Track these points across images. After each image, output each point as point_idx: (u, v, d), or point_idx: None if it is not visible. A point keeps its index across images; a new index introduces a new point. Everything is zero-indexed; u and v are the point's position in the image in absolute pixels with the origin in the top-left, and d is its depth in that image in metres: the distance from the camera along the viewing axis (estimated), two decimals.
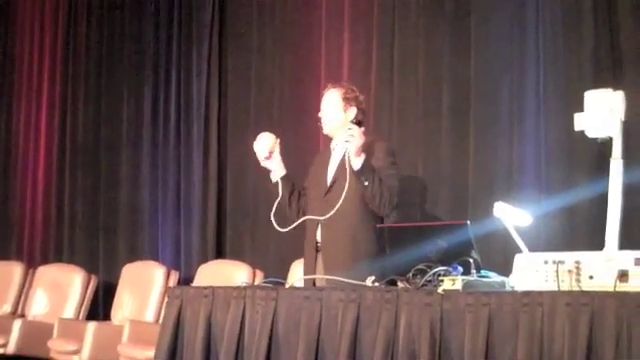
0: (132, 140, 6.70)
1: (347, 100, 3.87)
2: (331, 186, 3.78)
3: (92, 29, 7.07)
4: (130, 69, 6.79)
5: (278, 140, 3.88)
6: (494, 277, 2.88)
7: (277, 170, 3.88)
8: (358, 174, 3.62)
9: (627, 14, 4.43)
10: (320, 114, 3.93)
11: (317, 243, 3.78)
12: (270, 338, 3.03)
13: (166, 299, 3.51)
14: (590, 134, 2.84)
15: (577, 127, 2.82)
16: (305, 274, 3.78)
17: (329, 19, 5.78)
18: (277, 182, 3.87)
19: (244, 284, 3.40)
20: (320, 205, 3.75)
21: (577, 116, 2.82)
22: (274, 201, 5.71)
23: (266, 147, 3.84)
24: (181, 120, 6.43)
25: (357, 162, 3.63)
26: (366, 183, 3.62)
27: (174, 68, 6.53)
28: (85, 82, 7.05)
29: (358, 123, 3.86)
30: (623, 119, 2.92)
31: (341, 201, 3.57)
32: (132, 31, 6.82)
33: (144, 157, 6.60)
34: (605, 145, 3.05)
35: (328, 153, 3.97)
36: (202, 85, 6.31)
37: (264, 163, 3.90)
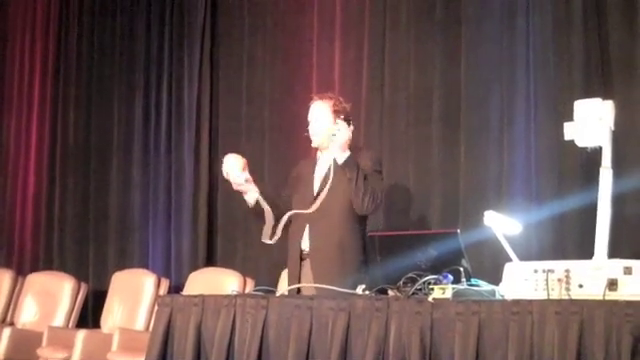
0: (123, 147, 6.68)
1: (336, 112, 3.85)
2: (318, 194, 3.76)
3: (83, 35, 7.05)
4: (121, 75, 6.78)
5: (245, 160, 3.78)
6: (484, 286, 2.89)
7: (251, 190, 3.82)
8: (342, 167, 3.65)
9: (617, 23, 4.46)
10: (309, 126, 3.90)
11: (302, 251, 3.77)
12: (260, 347, 3.02)
13: (156, 307, 3.49)
14: (580, 143, 2.85)
15: (567, 136, 2.83)
16: (289, 283, 3.76)
17: (320, 26, 5.79)
18: (257, 201, 3.81)
19: (234, 293, 3.39)
20: (304, 221, 3.75)
21: (567, 125, 2.83)
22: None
23: (237, 168, 3.73)
24: (172, 127, 6.42)
25: (342, 157, 3.66)
26: (349, 176, 3.65)
27: (165, 75, 6.52)
28: (76, 88, 7.03)
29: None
30: (612, 128, 2.93)
31: (324, 195, 3.63)
32: (123, 37, 6.81)
33: (135, 164, 6.58)
34: (595, 154, 3.06)
35: (312, 163, 3.96)
36: (193, 92, 6.30)
37: (237, 187, 3.81)
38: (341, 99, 3.94)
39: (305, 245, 3.76)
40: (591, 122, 2.79)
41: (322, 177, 3.81)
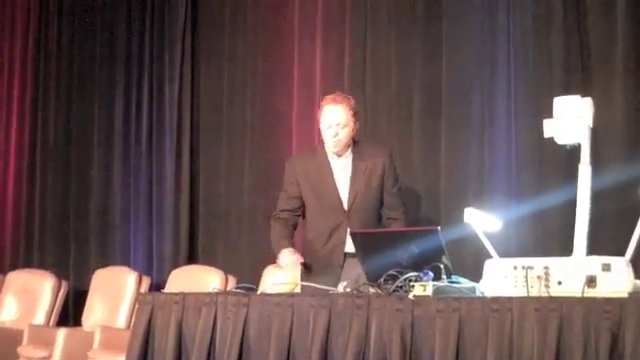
0: (104, 144, 6.64)
1: (354, 115, 3.87)
2: (353, 198, 3.82)
3: (63, 35, 6.99)
4: (101, 74, 6.73)
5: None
6: (464, 283, 2.90)
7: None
8: (384, 175, 3.86)
9: (596, 20, 4.49)
10: (328, 130, 3.81)
11: (345, 254, 3.76)
12: (241, 344, 3.02)
13: (137, 305, 3.48)
14: (559, 140, 2.87)
15: (546, 134, 2.85)
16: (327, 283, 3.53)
17: (302, 24, 5.78)
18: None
19: (215, 290, 3.39)
20: (338, 217, 3.79)
21: (546, 122, 2.85)
22: (247, 203, 5.75)
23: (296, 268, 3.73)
24: (153, 124, 6.39)
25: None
26: (394, 190, 3.88)
27: (146, 73, 6.49)
28: (56, 86, 6.97)
29: None
30: (591, 125, 2.95)
31: (359, 199, 3.79)
32: (104, 35, 6.77)
33: (116, 161, 6.55)
34: (574, 151, 3.08)
35: (318, 165, 3.90)
36: (174, 89, 6.28)
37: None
38: (349, 96, 3.94)
39: (350, 247, 3.68)
40: (570, 119, 2.81)
41: (348, 181, 3.84)
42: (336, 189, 3.84)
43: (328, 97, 3.91)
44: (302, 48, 5.76)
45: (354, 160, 3.86)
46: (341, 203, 3.82)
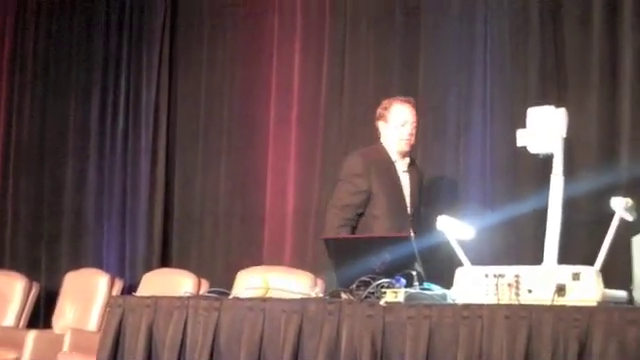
0: (78, 145, 6.58)
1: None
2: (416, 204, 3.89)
3: (40, 34, 6.93)
4: (78, 74, 6.67)
5: None
6: (436, 290, 2.91)
7: None
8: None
9: (572, 30, 4.53)
10: (403, 128, 3.90)
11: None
12: (212, 349, 3.01)
13: (108, 308, 3.46)
14: (532, 150, 2.89)
15: (519, 143, 2.87)
16: None
17: (281, 29, 5.78)
18: None
19: (187, 294, 3.37)
20: (405, 222, 3.81)
21: (519, 132, 2.87)
22: (222, 207, 5.71)
23: None
24: (129, 127, 6.35)
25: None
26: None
27: (123, 74, 6.45)
28: (32, 87, 6.90)
29: None
30: (564, 136, 2.97)
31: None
32: (81, 36, 6.71)
33: (90, 163, 6.49)
34: (548, 160, 3.10)
35: (385, 167, 3.91)
36: (151, 93, 6.24)
37: None
38: None
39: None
40: (543, 130, 2.83)
41: (408, 182, 3.90)
42: (402, 190, 3.88)
43: (395, 98, 4.02)
44: (281, 53, 5.76)
45: (409, 165, 3.95)
46: (406, 206, 3.86)
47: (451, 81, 4.93)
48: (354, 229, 3.84)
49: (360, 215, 3.85)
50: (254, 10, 5.94)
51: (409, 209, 3.87)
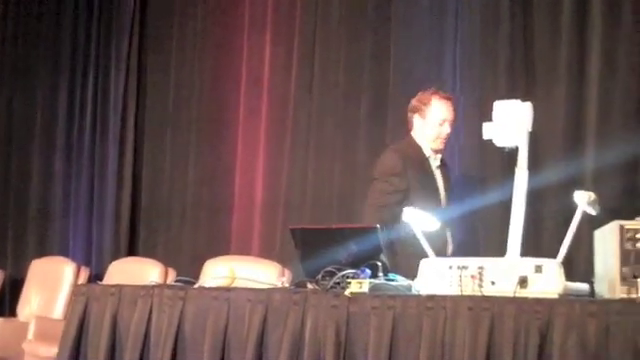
0: (46, 134, 6.52)
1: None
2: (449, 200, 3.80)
3: (8, 22, 6.85)
4: (46, 63, 6.61)
5: None
6: (401, 281, 2.92)
7: None
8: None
9: (542, 26, 4.57)
10: (442, 126, 3.76)
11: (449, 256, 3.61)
12: (176, 338, 3.00)
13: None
14: (498, 143, 2.91)
15: (485, 136, 2.89)
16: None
17: (251, 21, 5.77)
18: None
19: (152, 283, 3.36)
20: (441, 218, 3.57)
21: (485, 125, 2.89)
22: (190, 197, 5.69)
23: None
24: (97, 116, 6.31)
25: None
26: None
27: (92, 64, 6.39)
28: None
29: None
30: (530, 130, 3.00)
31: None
32: (50, 24, 6.64)
33: (58, 152, 6.44)
34: (513, 154, 3.12)
35: (418, 162, 3.77)
36: (120, 82, 6.20)
37: None
38: None
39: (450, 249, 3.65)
40: (509, 123, 2.85)
41: (443, 179, 3.80)
42: (437, 187, 3.76)
43: (435, 92, 3.83)
44: (251, 45, 5.74)
45: (441, 161, 3.83)
46: (441, 203, 3.74)
47: (421, 74, 4.93)
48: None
49: (395, 214, 3.59)
50: (225, 0, 5.91)
51: (444, 203, 3.75)
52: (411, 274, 2.92)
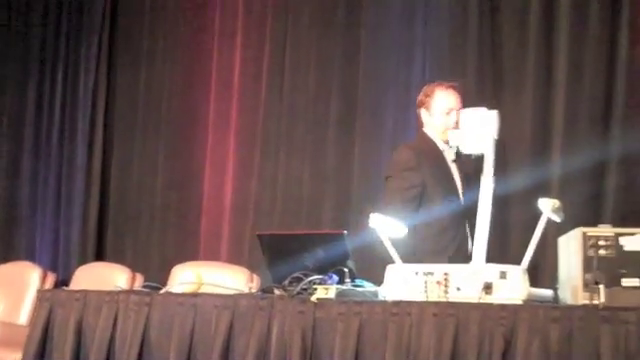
0: (13, 134, 6.44)
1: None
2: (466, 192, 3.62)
3: None
4: (15, 61, 6.54)
5: None
6: (368, 286, 2.93)
7: None
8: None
9: (510, 34, 4.62)
10: (448, 116, 3.64)
11: (469, 253, 3.43)
12: (142, 344, 2.98)
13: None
14: (464, 150, 2.92)
15: (452, 143, 2.90)
16: None
17: (222, 23, 5.75)
18: None
19: (117, 288, 3.33)
20: (459, 212, 3.55)
21: (451, 132, 2.91)
22: (159, 201, 5.63)
23: None
24: (66, 116, 6.24)
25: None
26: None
27: (61, 63, 6.33)
28: None
29: None
30: (496, 137, 3.02)
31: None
32: (19, 22, 6.57)
33: (25, 152, 6.35)
34: (480, 161, 3.15)
35: (433, 156, 3.67)
36: (89, 83, 6.14)
37: None
38: None
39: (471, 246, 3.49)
40: (475, 131, 2.86)
41: (459, 172, 3.67)
42: (454, 180, 3.64)
43: (439, 83, 3.75)
44: (221, 47, 5.73)
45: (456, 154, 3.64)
46: (459, 196, 3.62)
47: (391, 79, 4.97)
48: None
49: (415, 210, 3.55)
50: (196, 3, 5.90)
51: (461, 199, 3.63)
52: None
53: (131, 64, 6.10)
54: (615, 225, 2.64)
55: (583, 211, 4.11)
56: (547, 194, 3.32)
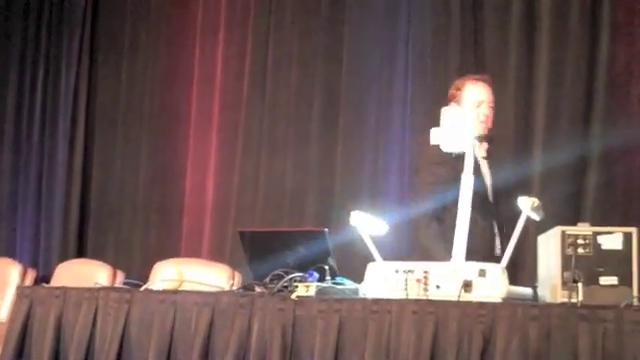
0: None
1: None
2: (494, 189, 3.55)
3: None
4: None
5: None
6: (349, 284, 2.93)
7: None
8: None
9: (492, 32, 4.65)
10: (479, 108, 3.52)
11: (496, 255, 3.38)
12: (122, 341, 2.96)
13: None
14: (445, 148, 2.93)
15: (433, 141, 2.90)
16: None
17: (205, 19, 5.74)
18: None
19: (97, 285, 3.32)
20: (488, 211, 3.46)
21: (433, 130, 2.91)
22: (140, 198, 5.60)
23: None
24: (47, 112, 6.20)
25: None
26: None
27: (42, 57, 6.29)
28: None
29: None
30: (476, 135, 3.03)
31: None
32: None
33: (5, 148, 6.31)
34: (461, 159, 3.15)
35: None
36: (71, 78, 6.11)
37: None
38: None
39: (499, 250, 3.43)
40: (456, 129, 2.87)
41: (489, 170, 3.58)
42: (483, 178, 3.51)
43: (469, 76, 3.65)
44: (204, 43, 5.72)
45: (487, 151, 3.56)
46: (487, 194, 3.54)
47: (373, 76, 4.98)
48: (440, 220, 3.41)
49: (444, 205, 3.40)
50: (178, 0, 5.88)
51: (491, 197, 3.55)
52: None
53: (113, 60, 6.07)
54: (595, 223, 2.66)
55: (564, 209, 4.14)
56: (528, 192, 3.35)
